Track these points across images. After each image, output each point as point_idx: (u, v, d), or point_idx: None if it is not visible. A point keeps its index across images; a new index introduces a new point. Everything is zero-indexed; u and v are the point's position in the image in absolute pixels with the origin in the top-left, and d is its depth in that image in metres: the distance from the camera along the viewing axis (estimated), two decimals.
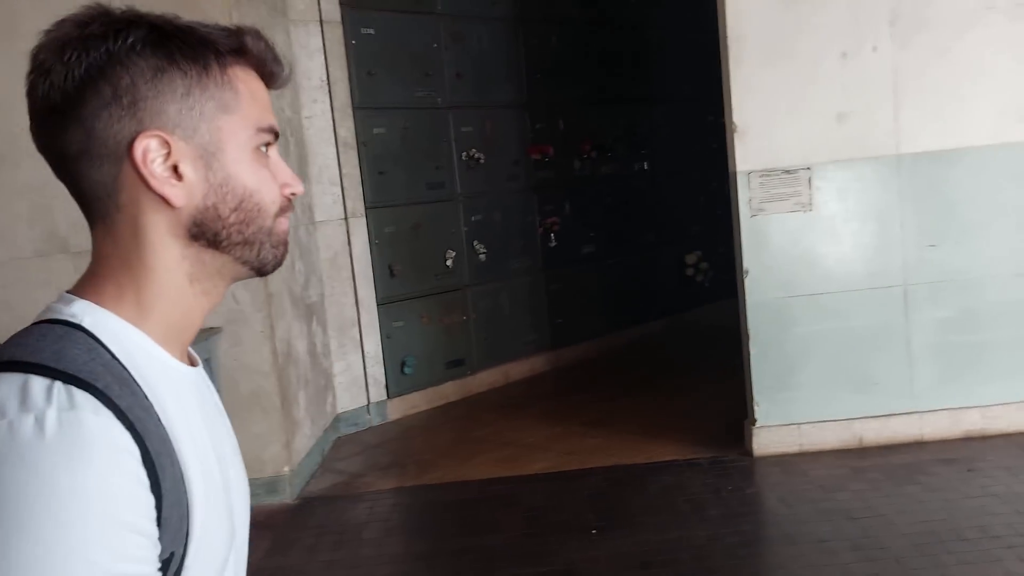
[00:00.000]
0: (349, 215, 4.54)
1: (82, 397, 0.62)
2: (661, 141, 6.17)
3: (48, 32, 0.69)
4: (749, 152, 3.60)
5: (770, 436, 3.67)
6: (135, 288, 0.71)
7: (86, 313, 0.69)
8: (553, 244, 5.53)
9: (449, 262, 4.93)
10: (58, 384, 0.62)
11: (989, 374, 3.61)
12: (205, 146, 0.70)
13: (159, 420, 0.67)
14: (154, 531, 0.63)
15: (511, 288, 5.32)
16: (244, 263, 0.74)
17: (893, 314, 3.62)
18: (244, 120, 0.72)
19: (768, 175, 3.61)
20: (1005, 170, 3.57)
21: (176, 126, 0.69)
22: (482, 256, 5.11)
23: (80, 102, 0.68)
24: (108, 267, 0.71)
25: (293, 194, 0.76)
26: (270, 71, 0.75)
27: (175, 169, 0.70)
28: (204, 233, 0.71)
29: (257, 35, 0.74)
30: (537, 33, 5.45)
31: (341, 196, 4.50)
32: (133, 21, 0.69)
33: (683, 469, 3.58)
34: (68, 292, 0.72)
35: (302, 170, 4.25)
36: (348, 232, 4.54)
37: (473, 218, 5.08)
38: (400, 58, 4.70)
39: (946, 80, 3.54)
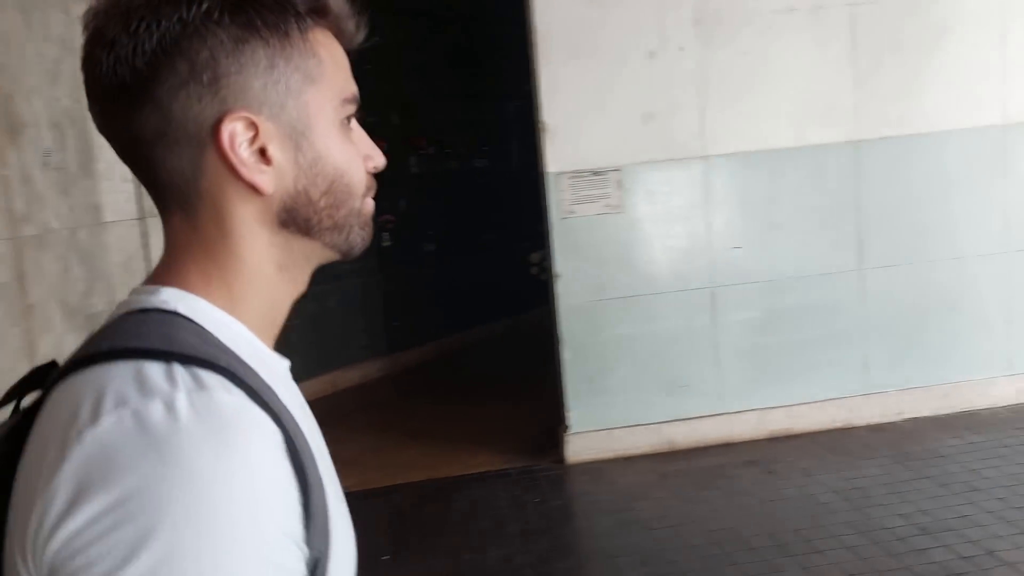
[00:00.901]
0: (147, 214, 4.15)
1: (208, 376, 0.54)
2: (505, 138, 6.04)
3: None
4: (559, 152, 3.50)
5: (583, 443, 3.58)
6: (222, 277, 0.63)
7: (178, 300, 0.61)
8: (387, 243, 5.30)
9: None
10: (176, 365, 0.54)
11: (793, 374, 3.65)
12: (293, 124, 0.62)
13: (284, 405, 0.57)
14: (302, 532, 0.54)
15: (341, 290, 5.06)
16: (333, 248, 0.68)
17: (701, 316, 3.60)
18: (329, 91, 0.64)
19: (578, 176, 3.51)
20: (805, 172, 3.60)
21: (262, 104, 0.61)
22: None
23: (154, 80, 0.59)
24: (189, 256, 0.63)
25: (375, 167, 0.69)
26: (348, 30, 0.66)
27: (262, 152, 0.62)
28: (294, 219, 0.64)
29: None
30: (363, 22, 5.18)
31: (135, 194, 4.11)
32: None
33: (493, 481, 3.45)
34: (145, 284, 0.63)
35: (87, 165, 3.85)
36: (145, 233, 4.16)
37: None
38: None
39: (749, 81, 3.53)
